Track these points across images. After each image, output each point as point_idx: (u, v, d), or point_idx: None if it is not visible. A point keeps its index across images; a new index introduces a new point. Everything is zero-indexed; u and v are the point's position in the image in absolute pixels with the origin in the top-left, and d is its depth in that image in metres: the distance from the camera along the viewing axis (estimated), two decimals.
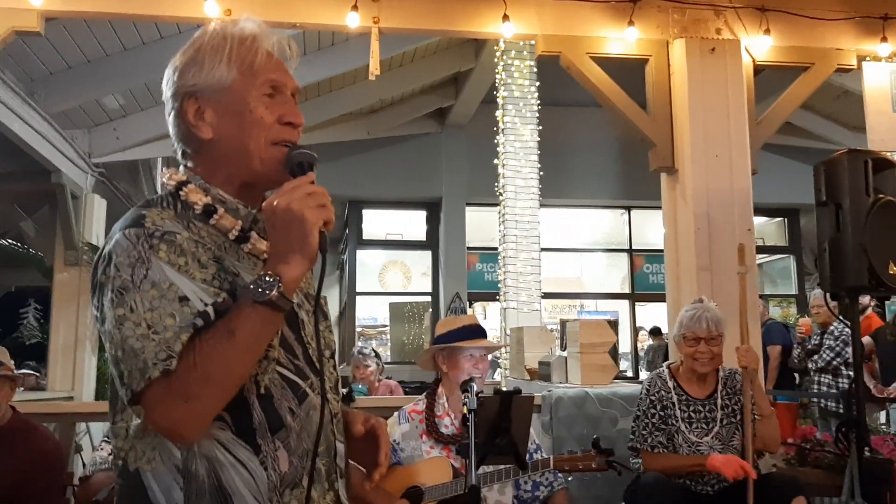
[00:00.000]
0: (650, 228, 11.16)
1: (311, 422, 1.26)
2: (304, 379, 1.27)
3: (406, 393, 6.02)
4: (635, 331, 11.45)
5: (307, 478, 1.24)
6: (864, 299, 5.51)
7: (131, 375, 1.12)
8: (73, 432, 4.53)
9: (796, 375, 6.90)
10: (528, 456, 2.78)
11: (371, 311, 11.53)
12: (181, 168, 1.33)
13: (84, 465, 5.55)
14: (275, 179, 1.27)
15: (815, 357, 6.25)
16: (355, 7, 3.94)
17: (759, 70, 4.45)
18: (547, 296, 9.61)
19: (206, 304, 1.16)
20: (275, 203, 1.16)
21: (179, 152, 1.34)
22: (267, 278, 1.13)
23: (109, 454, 4.13)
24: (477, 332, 3.06)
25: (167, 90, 1.32)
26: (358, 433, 1.39)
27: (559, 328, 8.11)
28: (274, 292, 1.12)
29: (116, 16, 4.19)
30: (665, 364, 3.49)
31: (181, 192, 1.27)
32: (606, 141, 10.25)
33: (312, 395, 1.27)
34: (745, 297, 3.27)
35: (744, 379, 3.20)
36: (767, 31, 4.26)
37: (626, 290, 11.61)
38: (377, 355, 5.83)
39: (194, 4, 3.83)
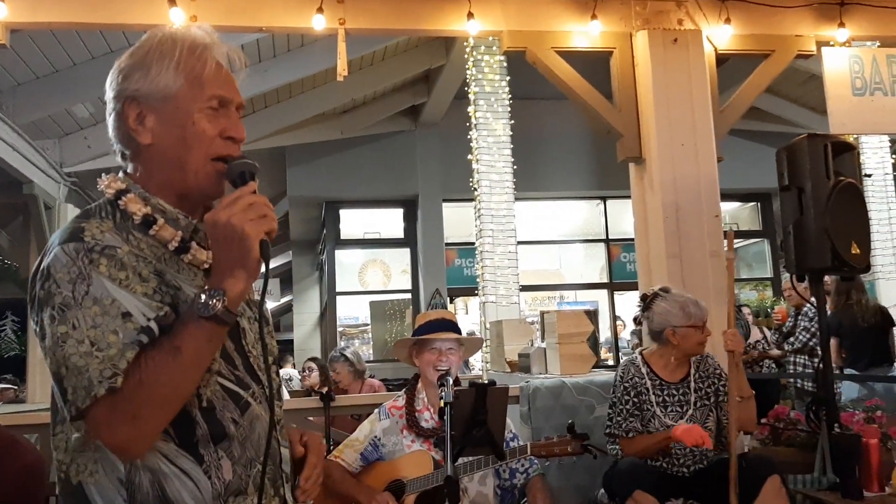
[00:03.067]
0: (626, 218, 11.23)
1: (254, 430, 1.26)
2: (245, 389, 1.27)
3: (389, 390, 6.05)
4: (614, 319, 11.55)
5: (252, 486, 1.24)
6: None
7: (76, 393, 1.11)
8: None
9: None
10: (504, 446, 2.83)
11: (352, 311, 11.52)
12: (120, 173, 1.31)
13: None
14: (209, 194, 1.27)
15: (791, 339, 6.36)
16: (320, 9, 3.95)
17: (722, 59, 4.51)
18: (526, 288, 9.66)
19: (148, 319, 1.14)
20: (215, 217, 1.15)
21: (119, 154, 1.33)
22: (211, 293, 1.13)
23: None
24: (443, 325, 3.11)
25: (110, 91, 1.30)
26: (299, 454, 1.42)
27: (539, 320, 8.16)
28: (219, 307, 1.12)
29: (81, 26, 4.18)
30: (637, 350, 3.55)
31: (120, 202, 1.25)
32: (579, 132, 10.30)
33: (255, 405, 1.27)
34: (732, 284, 3.29)
35: (729, 363, 3.24)
36: (728, 21, 4.32)
37: (605, 279, 11.69)
38: (346, 358, 5.87)
39: (160, 12, 3.82)
